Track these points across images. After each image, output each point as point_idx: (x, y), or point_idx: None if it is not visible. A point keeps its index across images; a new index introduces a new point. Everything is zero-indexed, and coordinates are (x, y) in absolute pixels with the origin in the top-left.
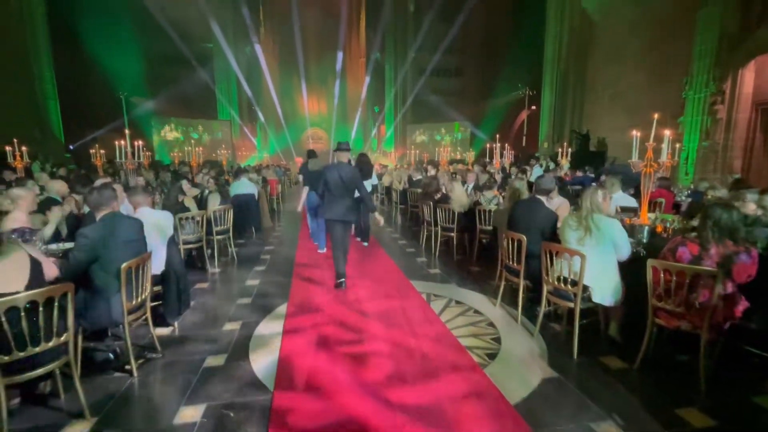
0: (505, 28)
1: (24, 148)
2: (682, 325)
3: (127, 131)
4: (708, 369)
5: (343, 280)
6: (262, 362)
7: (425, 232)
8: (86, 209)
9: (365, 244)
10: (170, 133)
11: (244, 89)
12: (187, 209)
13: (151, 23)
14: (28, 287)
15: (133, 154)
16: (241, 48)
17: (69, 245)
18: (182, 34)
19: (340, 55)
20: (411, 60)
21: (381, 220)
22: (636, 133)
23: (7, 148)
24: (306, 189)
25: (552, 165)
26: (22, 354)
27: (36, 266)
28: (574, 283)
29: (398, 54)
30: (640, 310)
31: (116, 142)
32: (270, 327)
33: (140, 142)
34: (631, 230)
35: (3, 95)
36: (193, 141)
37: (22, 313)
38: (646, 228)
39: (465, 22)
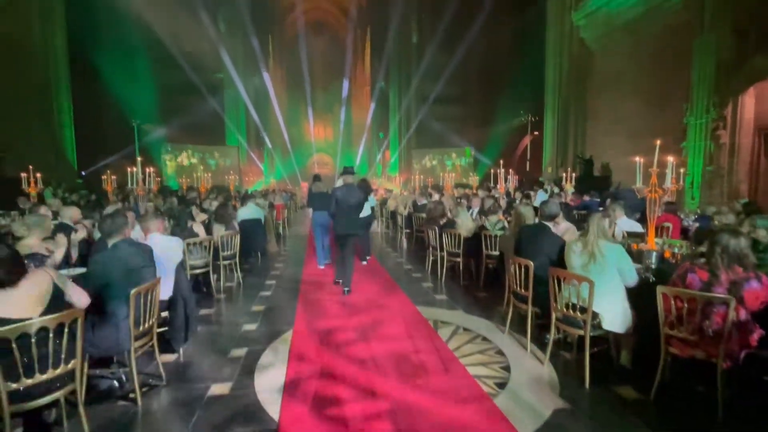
0: (506, 57)
1: (39, 175)
2: (697, 353)
3: (139, 159)
4: (726, 399)
5: (341, 282)
6: (267, 391)
7: (431, 257)
8: (97, 235)
9: (364, 263)
10: (188, 159)
11: (252, 116)
12: (196, 234)
13: (166, 56)
14: (45, 314)
15: (144, 180)
16: (251, 77)
17: (79, 270)
18: (194, 65)
19: (346, 83)
20: (414, 88)
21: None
22: (639, 159)
23: (23, 175)
24: (311, 210)
25: (557, 189)
26: (30, 381)
27: (58, 294)
28: (583, 310)
29: (402, 82)
30: (653, 338)
31: (128, 169)
32: (275, 354)
33: (151, 169)
34: (639, 256)
35: (23, 124)
36: (202, 167)
37: (33, 340)
38: (654, 254)
39: (466, 52)
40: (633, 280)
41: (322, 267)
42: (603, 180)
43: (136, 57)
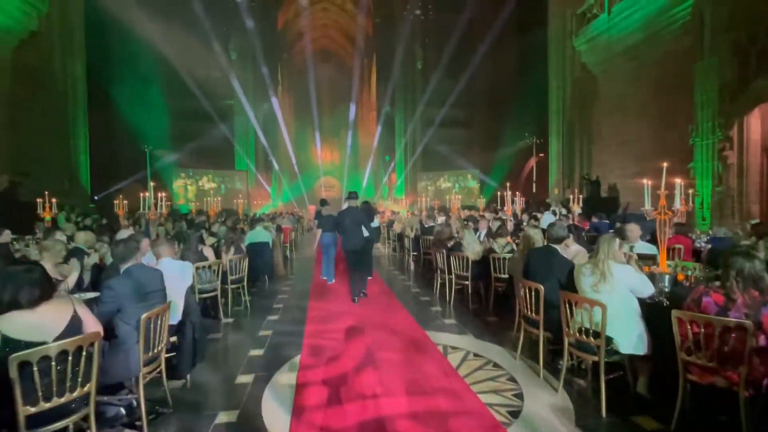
0: (510, 81)
1: (54, 200)
2: (717, 381)
3: (151, 183)
4: (749, 429)
5: (356, 297)
6: (275, 419)
7: (439, 280)
8: (109, 259)
9: (368, 277)
10: (208, 183)
11: (261, 141)
12: (206, 258)
13: (178, 83)
14: (58, 339)
15: (156, 205)
16: (260, 103)
17: (90, 295)
18: (206, 92)
19: (352, 107)
20: (420, 112)
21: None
22: (647, 182)
23: (38, 200)
24: (320, 231)
25: (564, 211)
26: (48, 405)
27: (75, 322)
28: (597, 335)
29: (407, 107)
30: (670, 365)
31: (141, 194)
32: (283, 380)
33: (163, 194)
34: (651, 279)
35: (41, 151)
36: (212, 191)
37: (53, 363)
38: (667, 276)
39: (471, 78)
40: (650, 290)
41: (325, 279)
42: (611, 201)
43: (149, 84)
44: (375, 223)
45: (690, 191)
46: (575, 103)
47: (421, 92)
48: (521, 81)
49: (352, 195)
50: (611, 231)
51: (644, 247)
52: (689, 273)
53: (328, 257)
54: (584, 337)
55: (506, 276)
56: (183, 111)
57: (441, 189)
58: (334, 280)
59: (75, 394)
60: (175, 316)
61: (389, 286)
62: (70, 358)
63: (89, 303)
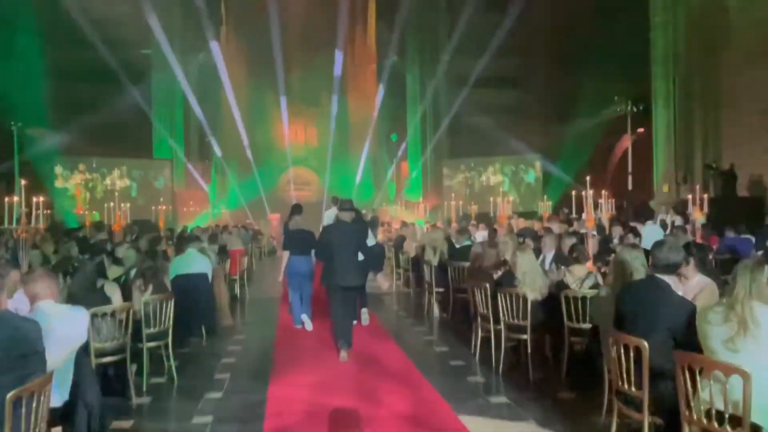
0: (586, 19)
1: None
2: None
3: (22, 182)
4: None
5: (345, 353)
6: None
7: (480, 333)
8: None
9: (366, 316)
10: (120, 180)
11: (195, 112)
12: (108, 300)
13: (63, 28)
14: None
15: (29, 215)
16: (193, 53)
17: None
18: (107, 39)
19: (339, 57)
20: (445, 66)
21: (387, 283)
22: None
23: None
24: (287, 254)
25: (678, 220)
26: None
27: None
28: (737, 421)
29: (426, 58)
30: None
31: (5, 199)
32: None
33: (41, 198)
34: None
35: None
36: (117, 194)
37: None
38: None
39: (524, 12)
40: None
41: (298, 327)
42: (753, 204)
43: (16, 30)
44: (372, 241)
45: None
46: (694, 49)
47: (447, 35)
48: (604, 17)
49: (345, 205)
50: (759, 253)
51: None
52: None
53: (302, 294)
54: (716, 424)
55: (588, 326)
56: (71, 68)
57: (482, 186)
58: (311, 328)
59: None
60: (60, 393)
61: (400, 343)
62: None
63: None
